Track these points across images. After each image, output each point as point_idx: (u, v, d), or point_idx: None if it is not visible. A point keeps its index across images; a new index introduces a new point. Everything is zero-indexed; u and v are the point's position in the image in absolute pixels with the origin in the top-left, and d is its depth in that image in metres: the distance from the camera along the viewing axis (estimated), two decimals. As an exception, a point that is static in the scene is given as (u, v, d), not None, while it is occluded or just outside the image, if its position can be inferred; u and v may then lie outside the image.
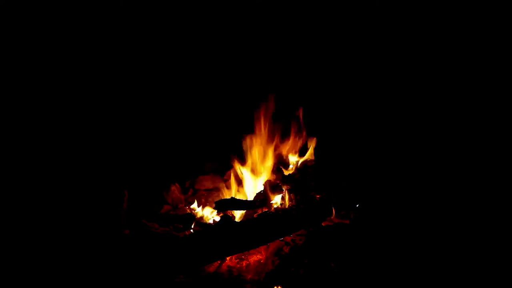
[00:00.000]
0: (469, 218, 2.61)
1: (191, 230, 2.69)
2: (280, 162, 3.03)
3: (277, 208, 2.68)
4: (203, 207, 2.94)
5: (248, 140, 3.03)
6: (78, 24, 3.56)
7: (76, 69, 3.57)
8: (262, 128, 3.05)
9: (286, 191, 2.81)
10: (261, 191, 2.82)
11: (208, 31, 3.77)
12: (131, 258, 2.13)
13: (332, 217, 2.67)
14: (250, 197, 2.90)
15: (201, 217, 2.85)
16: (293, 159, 3.09)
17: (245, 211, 2.75)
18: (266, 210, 2.65)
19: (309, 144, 3.11)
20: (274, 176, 2.93)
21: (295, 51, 3.80)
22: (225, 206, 2.68)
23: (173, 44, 3.79)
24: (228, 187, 3.09)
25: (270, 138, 3.07)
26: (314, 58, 3.82)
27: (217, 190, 3.29)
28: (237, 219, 2.70)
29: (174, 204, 3.17)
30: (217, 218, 2.69)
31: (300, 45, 3.81)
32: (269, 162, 3.02)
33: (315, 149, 3.09)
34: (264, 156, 3.05)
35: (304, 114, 3.13)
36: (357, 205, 2.77)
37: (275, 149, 3.07)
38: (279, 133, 3.09)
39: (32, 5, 3.44)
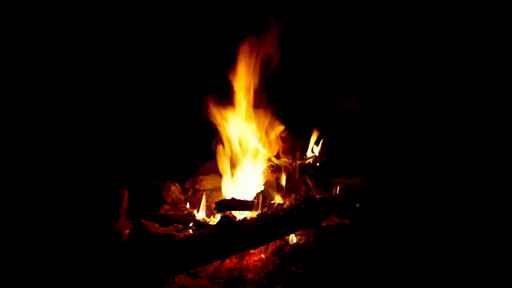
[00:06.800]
0: (470, 218, 2.61)
1: (191, 230, 2.69)
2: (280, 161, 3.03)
3: (277, 208, 2.68)
4: (203, 207, 2.94)
5: (247, 139, 3.04)
6: (78, 24, 3.55)
7: (76, 69, 3.57)
8: (261, 127, 3.05)
9: (286, 191, 2.82)
10: (261, 191, 2.81)
11: (208, 31, 3.77)
12: (130, 258, 2.12)
13: (332, 217, 2.67)
14: (250, 197, 2.90)
15: (201, 217, 2.85)
16: (293, 159, 3.09)
17: (245, 211, 2.75)
18: (266, 210, 2.64)
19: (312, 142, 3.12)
20: (274, 176, 2.93)
21: (296, 51, 3.80)
22: (225, 206, 2.68)
23: (174, 44, 3.79)
24: (229, 187, 3.09)
25: (270, 138, 3.07)
26: (314, 59, 3.82)
27: (217, 190, 3.29)
28: (237, 219, 2.70)
29: (174, 204, 3.17)
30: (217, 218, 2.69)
31: (301, 46, 3.81)
32: (269, 162, 3.02)
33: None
34: (263, 155, 3.05)
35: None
36: (358, 205, 2.77)
37: (274, 149, 3.07)
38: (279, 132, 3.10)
39: (32, 5, 3.44)
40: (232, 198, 2.75)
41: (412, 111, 3.60)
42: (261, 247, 2.43)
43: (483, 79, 3.47)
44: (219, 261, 2.32)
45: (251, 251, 2.41)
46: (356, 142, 3.49)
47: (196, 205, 3.01)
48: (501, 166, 3.02)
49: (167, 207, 3.10)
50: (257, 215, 2.55)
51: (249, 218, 2.50)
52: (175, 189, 3.24)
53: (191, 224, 2.73)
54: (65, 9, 3.52)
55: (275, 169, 2.98)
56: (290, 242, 2.51)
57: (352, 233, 2.53)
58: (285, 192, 2.83)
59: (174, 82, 3.80)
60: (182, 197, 3.28)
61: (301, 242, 2.51)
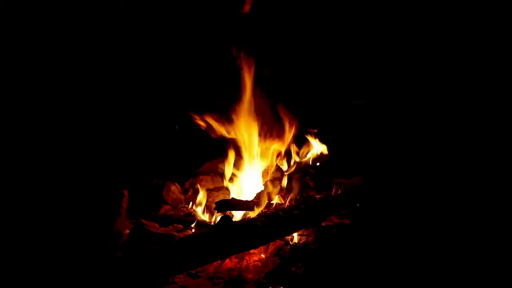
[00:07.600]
0: (471, 219, 2.61)
1: (191, 230, 2.69)
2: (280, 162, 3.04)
3: (277, 208, 2.68)
4: (203, 207, 2.94)
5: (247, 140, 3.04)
6: (77, 24, 3.55)
7: (76, 69, 3.56)
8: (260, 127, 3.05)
9: (286, 191, 2.82)
10: (261, 191, 2.81)
11: (208, 32, 3.77)
12: (130, 258, 2.12)
13: (332, 217, 2.67)
14: (250, 197, 2.90)
15: (201, 217, 2.85)
16: (293, 159, 3.09)
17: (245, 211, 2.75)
18: (266, 210, 2.64)
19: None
20: (274, 176, 2.93)
21: (296, 51, 3.80)
22: (225, 206, 2.68)
23: (174, 44, 3.79)
24: (228, 187, 3.09)
25: (269, 138, 3.07)
26: (314, 59, 3.81)
27: (217, 190, 3.29)
28: (237, 219, 2.70)
29: (174, 204, 3.17)
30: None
31: (302, 45, 3.81)
32: (269, 162, 3.02)
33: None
34: (263, 156, 3.05)
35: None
36: (357, 205, 2.77)
37: (274, 149, 3.08)
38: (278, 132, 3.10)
39: (32, 5, 3.44)
40: (232, 198, 2.75)
41: (411, 111, 3.60)
42: (261, 247, 2.43)
43: (483, 79, 3.47)
44: (219, 261, 2.32)
45: (251, 251, 2.41)
46: (356, 142, 3.49)
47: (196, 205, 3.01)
48: (500, 166, 3.02)
49: (167, 207, 3.10)
50: (257, 215, 2.55)
51: (249, 218, 2.51)
52: (175, 189, 3.24)
53: (192, 225, 2.73)
54: (65, 9, 3.52)
55: (275, 169, 2.98)
56: (290, 242, 2.51)
57: (352, 233, 2.52)
58: (285, 192, 2.83)
59: (174, 82, 3.80)
60: (182, 197, 3.28)
61: (301, 242, 2.51)
